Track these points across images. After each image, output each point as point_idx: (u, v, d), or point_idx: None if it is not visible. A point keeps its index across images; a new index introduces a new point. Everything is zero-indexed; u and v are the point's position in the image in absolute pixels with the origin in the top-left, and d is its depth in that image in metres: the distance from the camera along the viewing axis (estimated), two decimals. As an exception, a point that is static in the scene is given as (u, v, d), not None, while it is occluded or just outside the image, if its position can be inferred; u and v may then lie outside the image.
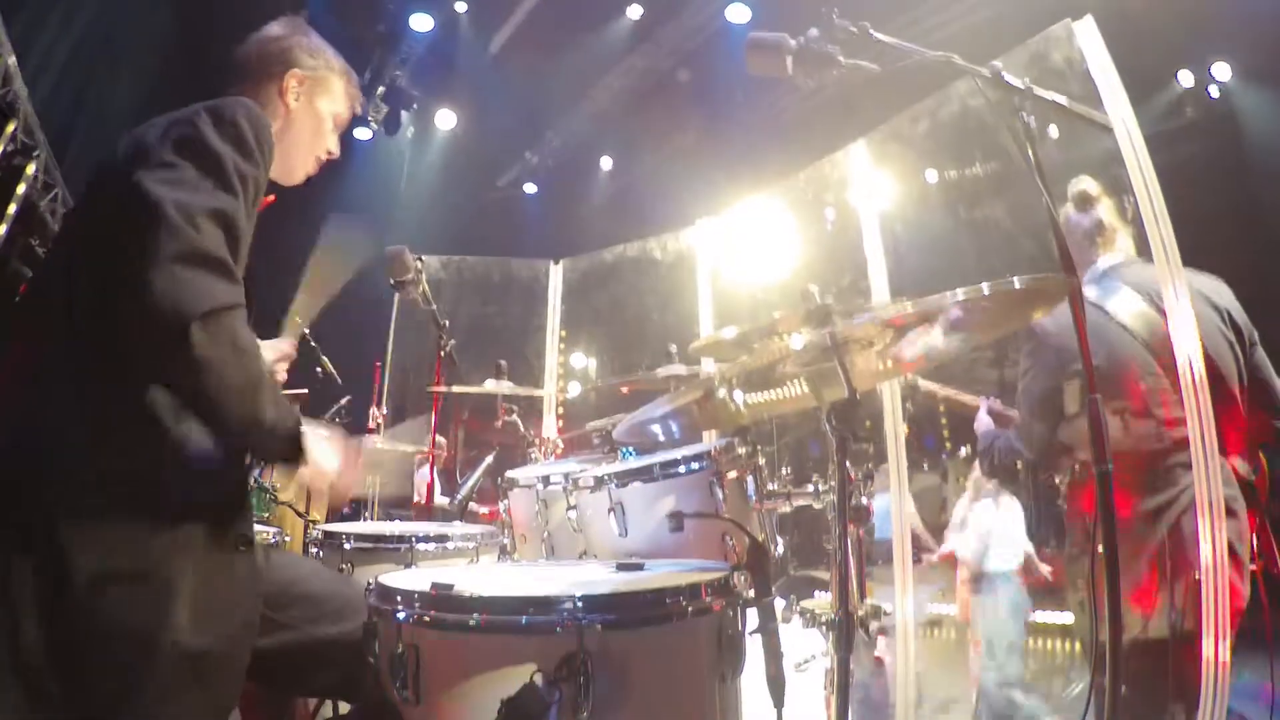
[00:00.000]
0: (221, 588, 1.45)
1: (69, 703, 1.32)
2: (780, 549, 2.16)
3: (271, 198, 1.69)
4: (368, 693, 1.50)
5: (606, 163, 12.27)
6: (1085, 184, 2.67)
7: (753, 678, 1.45)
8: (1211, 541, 2.25)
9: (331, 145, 1.88)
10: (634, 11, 9.71)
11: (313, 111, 1.81)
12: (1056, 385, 2.43)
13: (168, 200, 1.32)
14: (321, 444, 1.55)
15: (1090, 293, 2.55)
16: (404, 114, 10.59)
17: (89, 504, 1.35)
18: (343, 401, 5.15)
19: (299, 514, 3.63)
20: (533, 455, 3.16)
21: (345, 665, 1.62)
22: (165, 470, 1.42)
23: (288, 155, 1.77)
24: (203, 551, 1.44)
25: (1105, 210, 2.65)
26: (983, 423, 2.93)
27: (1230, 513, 2.31)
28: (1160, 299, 2.45)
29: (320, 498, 1.65)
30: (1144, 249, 2.59)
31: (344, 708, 2.35)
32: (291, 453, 1.50)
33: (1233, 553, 2.28)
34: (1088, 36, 2.71)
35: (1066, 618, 5.95)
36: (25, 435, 1.40)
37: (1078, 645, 5.76)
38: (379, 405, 5.74)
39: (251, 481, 3.69)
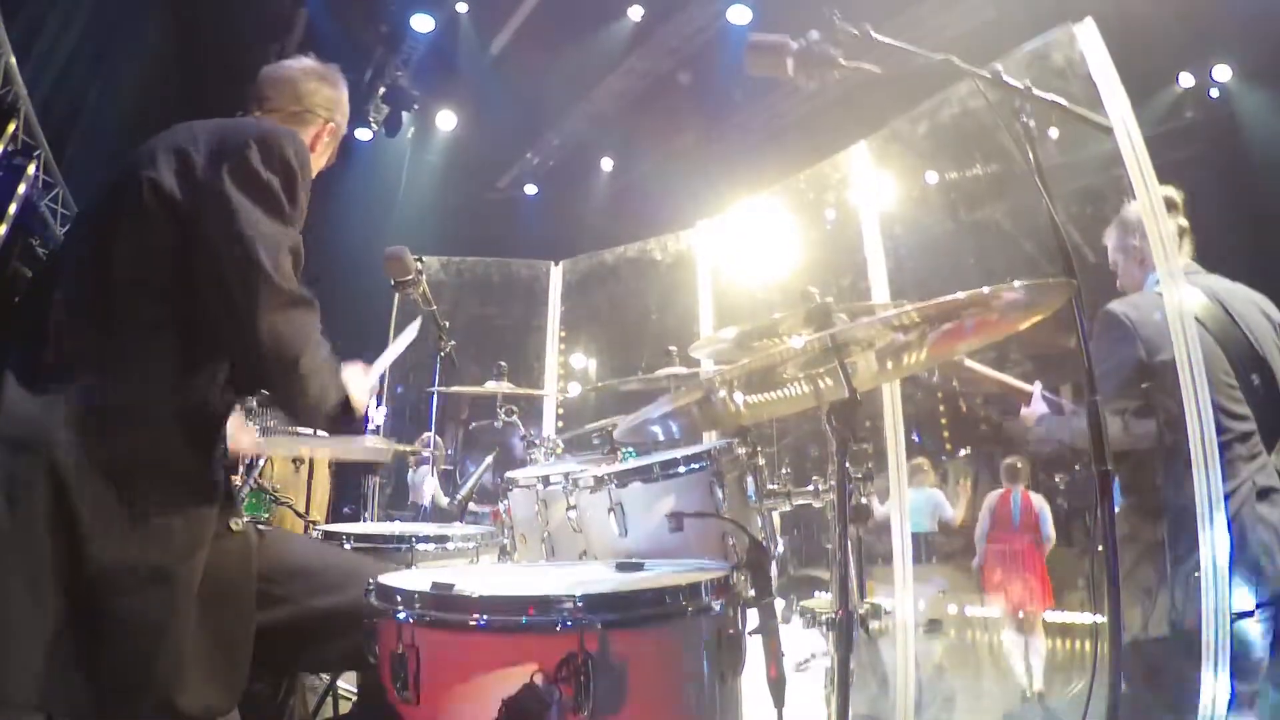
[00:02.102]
0: (223, 569, 1.53)
1: (87, 682, 1.36)
2: (780, 549, 2.15)
3: None
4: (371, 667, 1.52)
5: (607, 164, 12.28)
6: (1169, 190, 2.67)
7: (753, 677, 1.45)
8: (1211, 539, 2.28)
9: None
10: (635, 13, 9.72)
11: (324, 158, 1.96)
12: (1140, 376, 2.47)
13: (258, 243, 1.49)
14: (359, 388, 1.77)
15: (1158, 288, 2.60)
16: (404, 115, 10.60)
17: (113, 494, 1.41)
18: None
19: (299, 514, 3.64)
20: (532, 456, 3.15)
21: (348, 635, 1.60)
22: (185, 463, 1.52)
23: None
24: (209, 537, 1.52)
25: (1181, 219, 2.68)
26: (1037, 406, 2.87)
27: (1276, 502, 2.39)
28: (1224, 303, 2.52)
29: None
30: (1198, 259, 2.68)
31: (344, 706, 2.35)
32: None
33: None
34: (1088, 39, 2.71)
35: (1065, 616, 5.97)
36: (60, 425, 1.43)
37: (1078, 644, 5.77)
38: (378, 406, 5.75)
39: (252, 482, 3.71)
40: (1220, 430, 2.40)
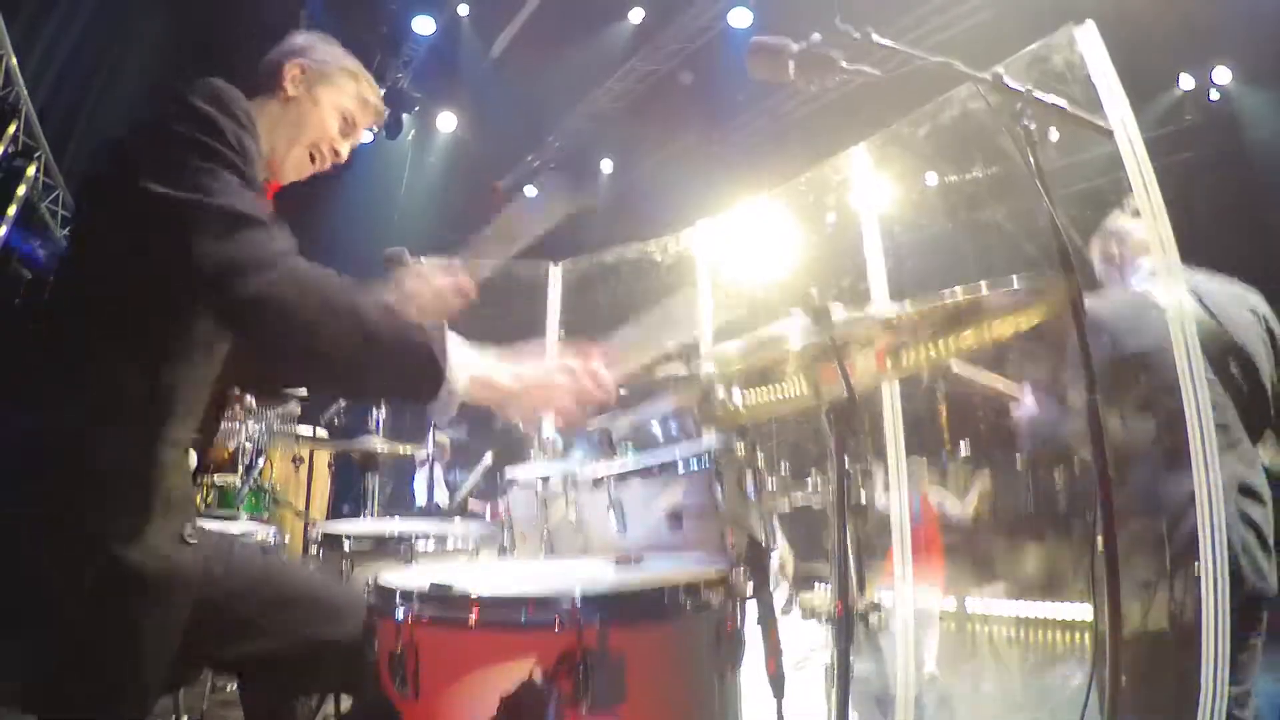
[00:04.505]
0: (160, 578, 1.44)
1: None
2: (780, 545, 2.16)
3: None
4: (369, 689, 1.50)
5: (607, 165, 12.28)
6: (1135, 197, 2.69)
7: (752, 671, 1.45)
8: (1211, 538, 2.28)
9: (338, 145, 1.83)
10: (635, 14, 9.73)
11: (311, 98, 1.75)
12: (1111, 370, 2.48)
13: (191, 190, 1.33)
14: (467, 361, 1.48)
15: (1140, 286, 2.65)
16: (405, 116, 10.59)
17: (67, 496, 1.37)
18: (341, 402, 5.14)
19: (298, 513, 3.64)
20: (531, 455, 3.16)
21: (344, 666, 1.61)
22: (139, 466, 1.45)
23: (276, 145, 1.72)
24: (153, 542, 1.44)
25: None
26: (1028, 408, 2.87)
27: (1258, 499, 2.43)
28: (1201, 296, 2.54)
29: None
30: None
31: (345, 704, 2.35)
32: (432, 379, 1.41)
33: (1260, 537, 2.38)
34: (1088, 41, 2.71)
35: (1065, 610, 5.97)
36: (22, 432, 1.41)
37: (1076, 637, 5.78)
38: (379, 406, 5.73)
39: (251, 481, 3.70)
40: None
